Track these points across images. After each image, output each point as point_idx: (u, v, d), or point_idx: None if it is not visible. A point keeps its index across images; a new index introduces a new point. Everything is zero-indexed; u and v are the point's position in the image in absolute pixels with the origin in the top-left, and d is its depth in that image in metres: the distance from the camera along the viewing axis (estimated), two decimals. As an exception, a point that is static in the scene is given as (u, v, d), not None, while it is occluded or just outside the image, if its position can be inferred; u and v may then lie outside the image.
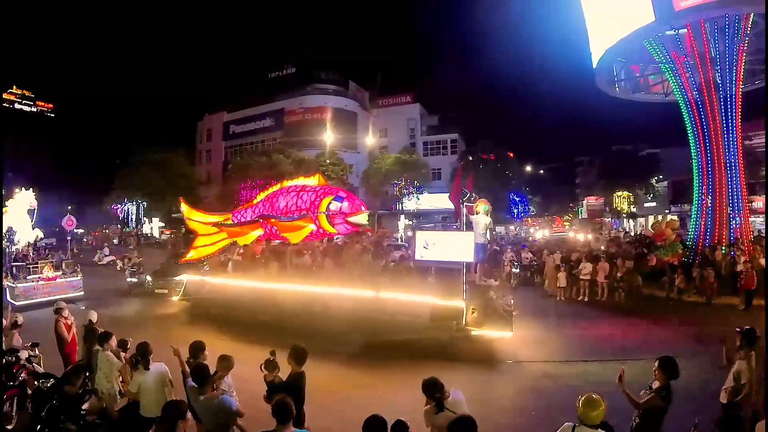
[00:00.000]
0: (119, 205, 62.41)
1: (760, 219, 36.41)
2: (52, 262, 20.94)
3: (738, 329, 6.72)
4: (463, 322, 11.22)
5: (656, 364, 5.31)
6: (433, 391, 4.77)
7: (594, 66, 25.37)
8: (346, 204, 13.17)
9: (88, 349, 7.99)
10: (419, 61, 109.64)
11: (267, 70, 58.24)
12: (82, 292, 19.31)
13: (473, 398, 4.99)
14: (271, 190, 15.69)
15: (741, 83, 20.63)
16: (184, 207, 17.80)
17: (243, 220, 15.44)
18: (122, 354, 7.45)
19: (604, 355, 11.14)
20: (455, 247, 11.93)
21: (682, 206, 44.13)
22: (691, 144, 21.78)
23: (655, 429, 5.12)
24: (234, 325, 12.86)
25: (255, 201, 15.93)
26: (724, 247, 19.62)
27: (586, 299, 18.31)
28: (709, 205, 20.71)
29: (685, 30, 20.74)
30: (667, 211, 49.09)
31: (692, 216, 21.97)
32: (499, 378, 10.06)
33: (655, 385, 5.22)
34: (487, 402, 8.18)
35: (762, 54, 22.15)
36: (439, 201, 45.55)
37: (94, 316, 8.76)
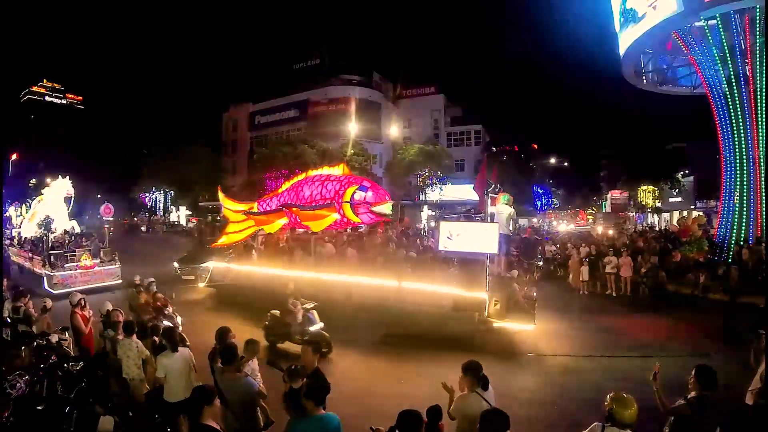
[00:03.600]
0: (147, 194, 63.55)
1: None
2: (90, 249, 20.95)
3: (763, 330, 6.66)
4: (486, 314, 11.25)
5: (693, 372, 4.96)
6: (477, 370, 4.90)
7: (621, 56, 24.94)
8: (370, 194, 13.21)
9: (110, 338, 8.11)
10: (444, 52, 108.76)
11: (292, 61, 58.36)
12: (120, 280, 19.31)
13: (494, 390, 5.02)
14: (295, 179, 15.82)
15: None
16: (220, 195, 18.53)
17: (268, 208, 15.63)
18: (155, 338, 7.66)
19: (627, 351, 11.06)
20: (479, 238, 11.91)
21: (708, 202, 43.47)
22: (719, 139, 21.35)
23: None
24: (258, 311, 13.10)
25: (280, 190, 16.09)
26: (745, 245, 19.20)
27: (612, 294, 18.17)
28: (736, 202, 20.29)
29: (714, 21, 20.28)
30: (692, 207, 48.30)
31: (723, 212, 21.47)
32: (520, 371, 10.06)
33: (691, 395, 4.87)
34: (509, 394, 8.21)
35: None
36: (462, 192, 45.41)
37: (109, 306, 8.95)
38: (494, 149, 50.30)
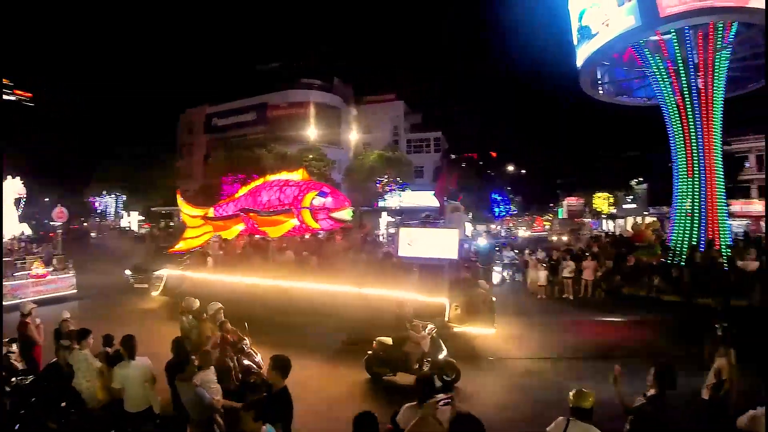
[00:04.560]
0: (97, 198, 61.66)
1: (737, 222, 37.16)
2: (41, 257, 19.84)
3: (718, 327, 6.97)
4: (446, 319, 11.27)
5: (651, 371, 5.09)
6: (425, 388, 4.75)
7: (579, 67, 25.55)
8: (330, 199, 13.14)
9: (62, 348, 7.59)
10: (405, 59, 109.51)
11: (251, 63, 57.84)
12: (76, 290, 18.33)
13: (459, 395, 5.01)
14: (253, 184, 15.64)
15: (721, 90, 20.99)
16: (179, 199, 18.33)
17: (225, 214, 15.34)
18: (107, 349, 7.31)
19: (586, 353, 11.30)
20: (439, 243, 11.95)
21: (661, 208, 44.87)
22: (671, 148, 22.09)
23: None
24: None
25: (237, 195, 15.85)
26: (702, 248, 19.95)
27: (569, 297, 18.55)
28: (688, 207, 21.05)
29: (669, 35, 21.01)
30: (645, 213, 49.81)
31: (674, 218, 22.19)
32: (482, 374, 10.12)
33: (650, 393, 5.01)
34: (472, 398, 8.23)
35: (744, 62, 22.88)
36: (421, 198, 45.67)
37: (66, 315, 8.57)
38: (453, 156, 50.88)
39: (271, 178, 15.28)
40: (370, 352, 9.79)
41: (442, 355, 9.38)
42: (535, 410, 7.85)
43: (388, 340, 9.71)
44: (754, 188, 46.83)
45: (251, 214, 14.12)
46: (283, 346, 7.42)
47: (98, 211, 63.48)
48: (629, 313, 15.51)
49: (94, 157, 59.99)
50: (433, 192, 47.65)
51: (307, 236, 17.58)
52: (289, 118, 50.88)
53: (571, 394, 4.47)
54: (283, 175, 15.25)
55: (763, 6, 19.16)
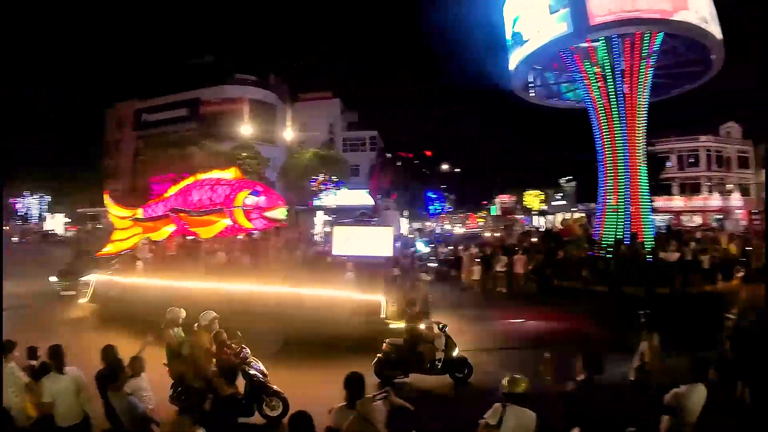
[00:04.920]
0: (19, 199, 58.34)
1: (660, 217, 40.25)
2: None
3: (641, 313, 7.55)
4: (383, 316, 11.39)
5: (579, 357, 5.37)
6: (354, 387, 4.67)
7: (511, 70, 26.32)
8: (263, 198, 13.00)
9: None
10: (341, 57, 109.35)
11: (184, 57, 55.99)
12: None
13: (398, 391, 5.11)
14: (184, 183, 15.23)
15: (646, 95, 22.55)
16: (106, 199, 17.66)
17: (155, 214, 14.91)
18: (32, 362, 6.95)
19: (520, 343, 11.75)
20: (374, 241, 12.07)
21: (588, 204, 47.02)
22: (597, 148, 23.53)
23: (578, 421, 5.17)
24: (149, 328, 12.39)
25: (167, 195, 15.40)
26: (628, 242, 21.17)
27: (502, 291, 19.14)
28: (613, 204, 22.36)
29: (599, 42, 22.28)
30: (574, 209, 51.95)
31: (600, 214, 23.51)
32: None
33: (579, 377, 5.29)
34: (413, 393, 8.38)
35: (667, 70, 24.74)
36: (357, 197, 45.82)
37: None
38: (389, 155, 51.31)
39: (202, 176, 14.94)
40: (379, 355, 9.47)
41: (455, 352, 9.40)
42: (473, 399, 8.07)
43: (399, 341, 9.52)
44: (676, 186, 50.84)
45: (182, 214, 13.77)
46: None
47: (20, 214, 60.08)
48: (560, 303, 16.25)
49: (13, 154, 56.61)
50: (368, 190, 48.16)
51: (240, 236, 17.31)
52: (223, 114, 49.81)
53: (505, 380, 4.65)
54: (215, 174, 14.96)
55: (685, 19, 20.89)
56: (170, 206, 14.40)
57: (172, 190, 15.29)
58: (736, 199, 52.04)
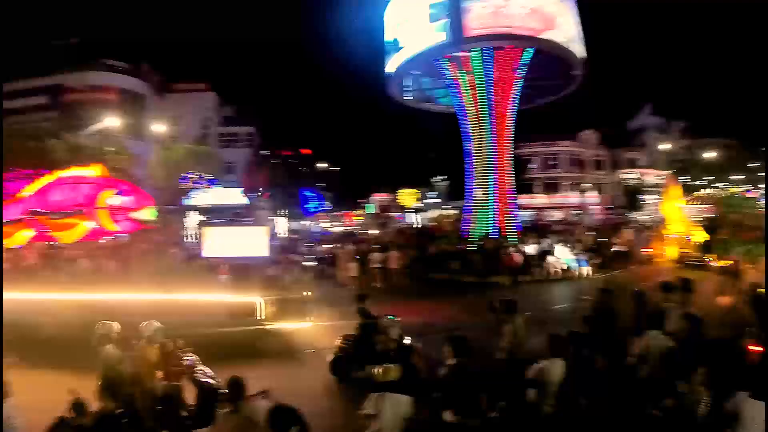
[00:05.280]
0: None
1: (525, 213, 43.23)
2: None
3: (501, 300, 8.34)
4: (260, 317, 11.26)
5: (447, 343, 5.73)
6: (235, 390, 4.72)
7: (388, 74, 27.21)
8: (129, 198, 12.32)
9: None
10: (218, 48, 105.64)
11: (46, 37, 50.52)
12: None
13: (280, 390, 5.12)
14: (41, 181, 13.93)
15: (514, 104, 24.88)
16: None
17: (9, 218, 13.54)
18: None
19: None
20: (248, 242, 11.89)
21: (459, 202, 49.84)
22: (467, 150, 25.33)
23: (451, 403, 5.36)
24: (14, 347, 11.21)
25: (22, 194, 14.03)
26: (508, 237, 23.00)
27: (378, 286, 19.47)
28: (479, 201, 24.05)
29: (473, 52, 23.80)
30: (446, 207, 54.78)
31: (468, 210, 25.11)
32: (302, 368, 10.39)
33: (450, 362, 5.60)
34: (295, 391, 8.34)
35: (534, 81, 27.18)
36: (231, 196, 44.43)
37: None
38: (266, 153, 50.45)
39: (62, 174, 13.81)
40: (334, 351, 9.53)
41: (406, 340, 9.23)
42: (352, 393, 8.20)
43: (354, 334, 9.54)
44: (538, 185, 57.11)
45: (40, 217, 12.63)
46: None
47: None
48: (434, 295, 17.32)
49: None
50: (242, 189, 46.99)
51: (104, 240, 16.15)
52: (87, 103, 45.43)
53: (376, 371, 4.95)
54: (77, 171, 13.91)
55: (552, 38, 23.52)
56: (27, 208, 13.09)
57: (29, 190, 13.93)
58: (591, 196, 59.12)
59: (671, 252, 23.68)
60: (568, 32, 24.66)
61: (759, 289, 9.47)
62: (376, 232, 34.52)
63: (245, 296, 11.42)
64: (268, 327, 11.22)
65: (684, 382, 5.68)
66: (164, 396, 6.02)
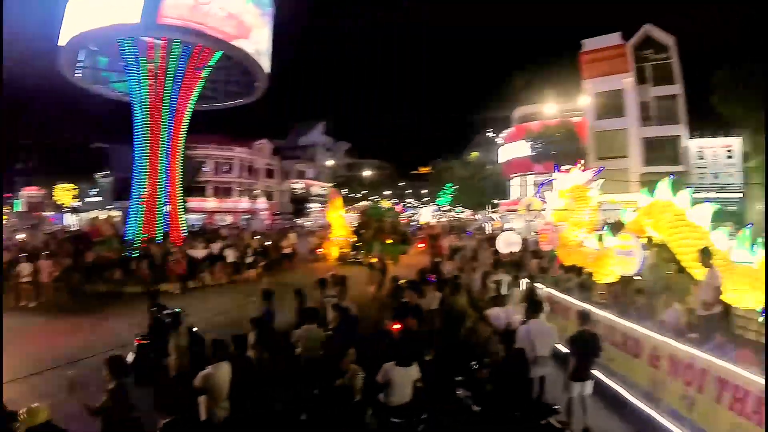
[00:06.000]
0: None
1: (194, 216, 44.65)
2: None
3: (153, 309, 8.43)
4: None
5: (104, 365, 5.38)
6: None
7: (61, 45, 23.10)
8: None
9: None
10: None
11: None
12: None
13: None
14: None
15: (192, 102, 24.03)
16: None
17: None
18: None
19: (53, 363, 10.17)
20: None
21: (125, 202, 46.27)
22: (136, 144, 22.97)
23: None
24: None
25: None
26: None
27: (29, 305, 16.05)
28: (148, 202, 22.57)
29: (161, 41, 22.19)
30: (110, 207, 49.93)
31: (133, 212, 23.03)
32: None
33: (110, 386, 5.23)
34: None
35: (216, 83, 27.60)
36: None
37: None
38: None
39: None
40: None
41: None
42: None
43: None
44: (211, 188, 57.57)
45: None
46: None
47: None
48: (94, 310, 15.22)
49: None
50: None
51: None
52: None
53: (22, 413, 4.38)
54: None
55: (243, 47, 23.54)
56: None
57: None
58: (261, 203, 63.56)
59: (335, 252, 27.45)
60: (259, 45, 25.17)
61: (401, 281, 11.33)
62: (26, 236, 29.30)
63: None
64: None
65: (339, 362, 6.66)
66: None
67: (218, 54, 23.77)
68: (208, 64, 23.79)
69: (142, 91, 22.51)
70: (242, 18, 23.96)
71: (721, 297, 7.76)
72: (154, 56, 22.29)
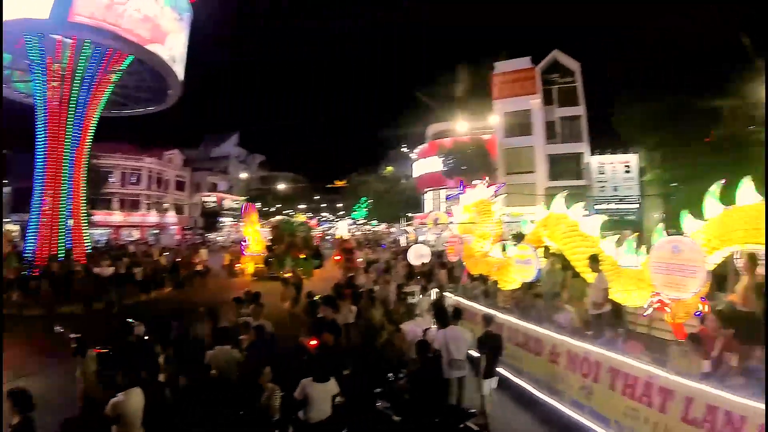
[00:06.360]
0: None
1: (99, 231, 42.35)
2: None
3: (71, 337, 7.43)
4: None
5: (7, 398, 4.88)
6: None
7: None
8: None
9: None
10: None
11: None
12: None
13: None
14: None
15: (100, 107, 22.69)
16: None
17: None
18: None
19: None
20: None
21: (23, 215, 43.10)
22: (38, 151, 21.48)
23: None
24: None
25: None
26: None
27: None
28: (50, 215, 21.10)
29: (71, 41, 20.86)
30: (7, 221, 46.30)
31: (31, 227, 21.46)
32: None
33: (14, 422, 4.78)
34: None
35: (127, 89, 26.27)
36: None
37: None
38: None
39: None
40: None
41: None
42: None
43: None
44: (116, 200, 53.65)
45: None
46: None
47: None
48: None
49: None
50: None
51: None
52: None
53: None
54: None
55: (157, 52, 22.64)
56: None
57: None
58: (171, 216, 60.65)
59: (251, 268, 26.93)
60: (174, 51, 24.37)
61: (316, 297, 11.45)
62: None
63: None
64: None
65: (257, 382, 6.60)
66: None
67: (130, 58, 22.76)
68: (120, 68, 22.69)
69: (46, 93, 21.07)
70: (158, 22, 23.14)
71: (610, 297, 8.57)
72: (61, 56, 20.89)
